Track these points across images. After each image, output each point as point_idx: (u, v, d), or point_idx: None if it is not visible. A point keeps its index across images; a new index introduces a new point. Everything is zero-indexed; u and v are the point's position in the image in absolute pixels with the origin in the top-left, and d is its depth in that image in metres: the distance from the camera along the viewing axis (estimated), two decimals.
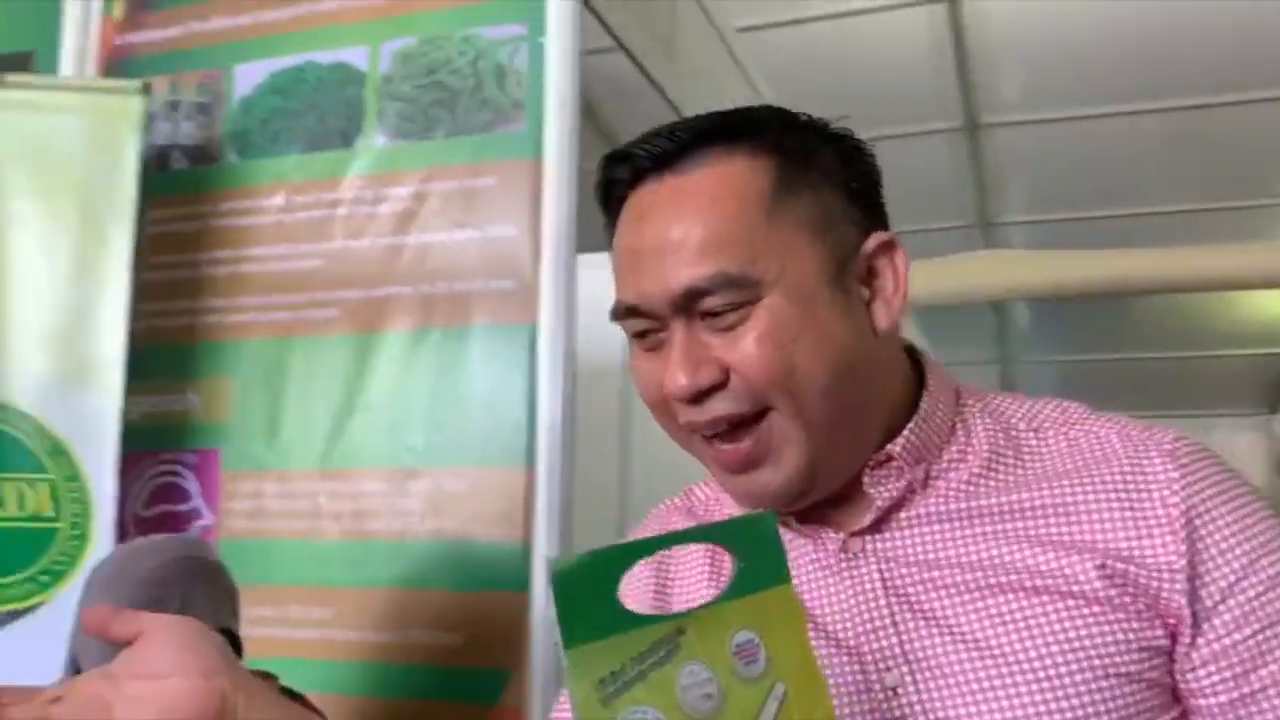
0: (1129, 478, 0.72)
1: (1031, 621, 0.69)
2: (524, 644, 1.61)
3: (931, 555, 0.73)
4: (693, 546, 0.83)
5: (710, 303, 0.71)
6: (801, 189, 0.73)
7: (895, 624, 0.72)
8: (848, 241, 0.75)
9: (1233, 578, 0.69)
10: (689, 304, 0.71)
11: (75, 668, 1.23)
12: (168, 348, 1.90)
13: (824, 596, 0.76)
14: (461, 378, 1.73)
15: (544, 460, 1.65)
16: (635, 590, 0.85)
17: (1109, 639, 0.68)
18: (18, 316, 1.75)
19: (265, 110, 1.92)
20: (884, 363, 0.76)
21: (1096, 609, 0.69)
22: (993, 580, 0.71)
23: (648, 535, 0.87)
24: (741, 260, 0.70)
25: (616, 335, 0.81)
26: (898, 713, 0.70)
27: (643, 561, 0.85)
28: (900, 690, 0.71)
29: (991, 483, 0.75)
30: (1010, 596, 0.70)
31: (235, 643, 1.28)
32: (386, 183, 1.82)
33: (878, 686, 0.71)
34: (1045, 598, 0.70)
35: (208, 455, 1.87)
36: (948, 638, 0.70)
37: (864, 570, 0.74)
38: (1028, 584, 0.70)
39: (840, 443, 0.74)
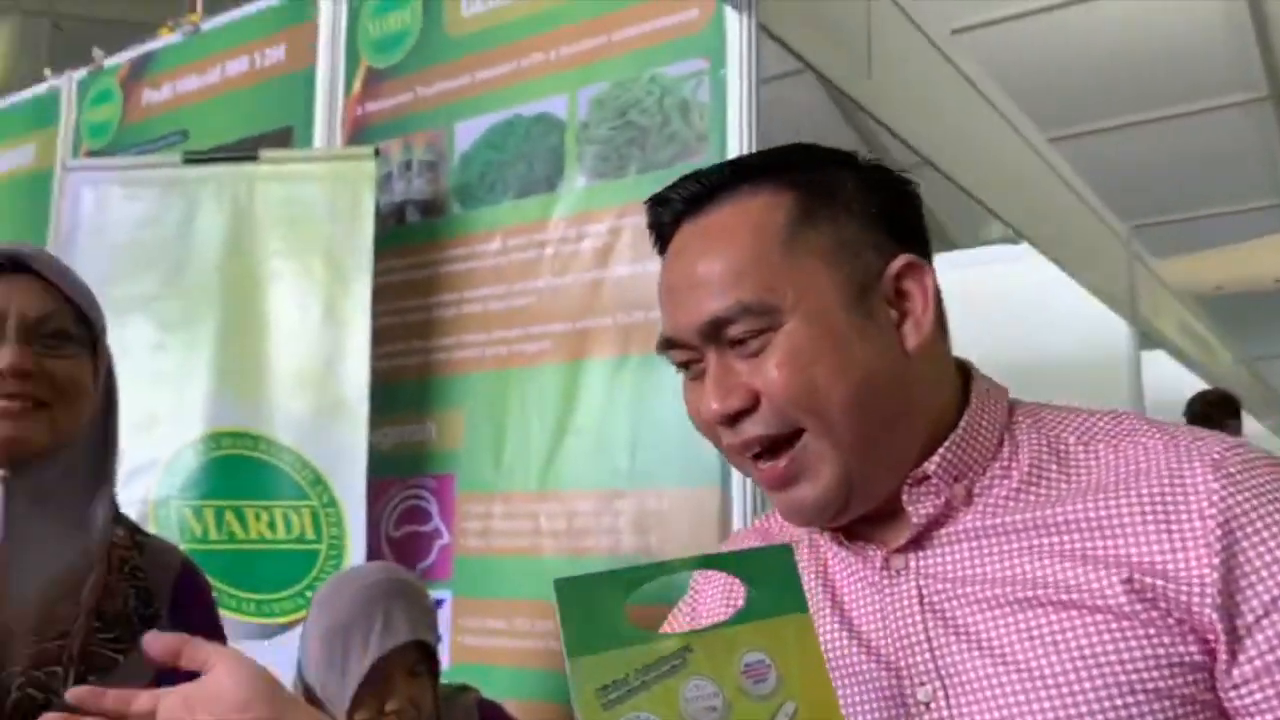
0: (1166, 489, 0.69)
1: (1058, 637, 0.68)
2: None
3: (967, 571, 0.73)
4: (717, 573, 0.86)
5: (734, 331, 0.75)
6: (819, 221, 0.77)
7: (930, 640, 0.72)
8: (870, 267, 0.77)
9: (1277, 591, 0.64)
10: (716, 333, 0.75)
11: (304, 682, 1.40)
12: (407, 384, 2.10)
13: (866, 611, 0.77)
14: (658, 402, 1.81)
15: (736, 480, 1.70)
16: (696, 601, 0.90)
17: (1135, 654, 0.66)
18: (277, 361, 2.00)
19: (482, 163, 2.10)
20: (921, 381, 0.77)
21: (1124, 624, 0.67)
22: (1022, 595, 0.70)
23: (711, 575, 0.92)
24: (759, 289, 0.74)
25: None
26: None
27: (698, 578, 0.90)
28: (932, 705, 0.71)
29: (1031, 497, 0.74)
30: (1038, 611, 0.69)
31: (430, 654, 1.41)
32: (586, 221, 1.94)
33: (911, 701, 0.72)
34: (1072, 612, 0.68)
35: (445, 480, 2.06)
36: (978, 653, 0.70)
37: (903, 587, 0.75)
38: (1055, 599, 0.69)
39: (875, 459, 0.75)
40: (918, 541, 0.76)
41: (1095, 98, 5.78)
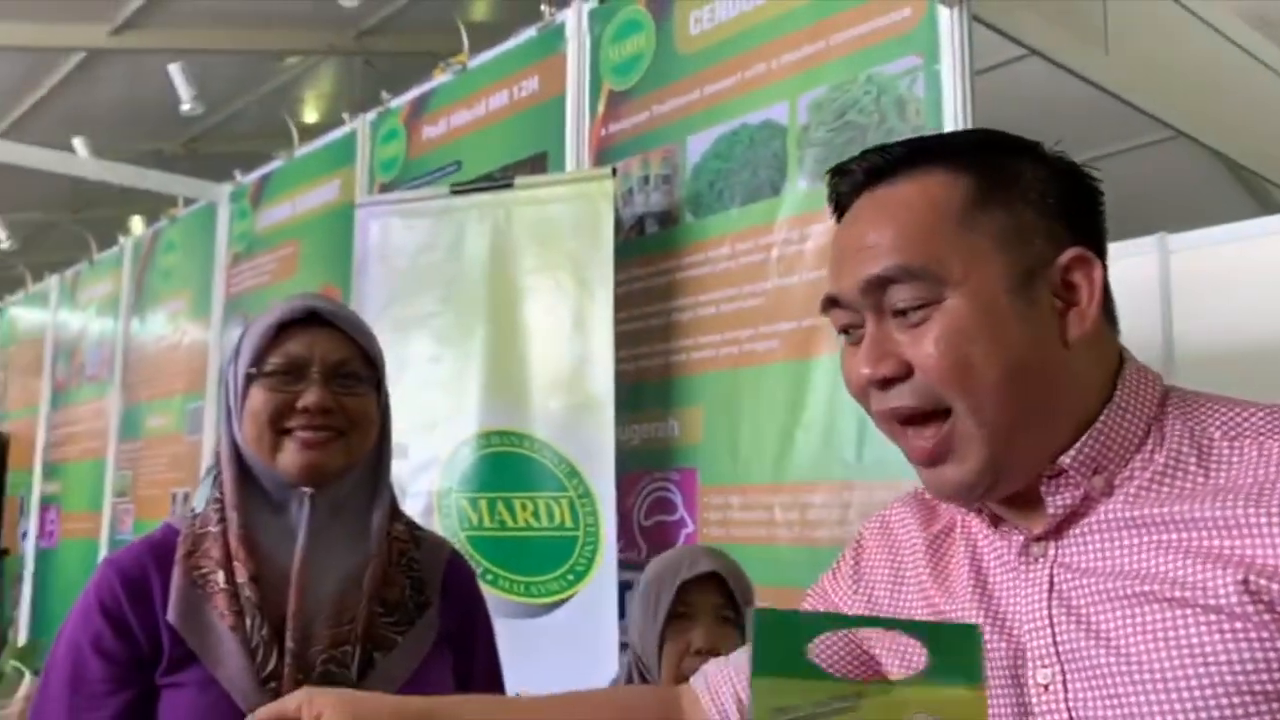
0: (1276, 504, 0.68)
1: (1170, 633, 0.69)
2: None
3: (1096, 563, 0.75)
4: (920, 555, 0.90)
5: (896, 295, 0.77)
6: (994, 205, 0.78)
7: (1053, 625, 0.75)
8: (1041, 255, 0.78)
9: None
10: (877, 296, 0.77)
11: (635, 655, 1.58)
12: (650, 384, 2.26)
13: (1004, 591, 0.80)
14: None
15: None
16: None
17: (1245, 655, 0.66)
18: (535, 366, 2.21)
19: (711, 173, 2.22)
20: (1077, 372, 0.78)
21: (1237, 624, 0.66)
22: (1142, 590, 0.71)
23: (890, 515, 0.96)
24: (925, 257, 0.76)
25: None
26: (1045, 708, 0.74)
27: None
28: (1050, 688, 0.74)
29: (1166, 490, 0.74)
30: (1155, 607, 0.70)
31: (737, 607, 1.55)
32: (808, 222, 2.02)
33: (1031, 682, 0.75)
34: (1186, 610, 0.69)
35: (688, 473, 2.20)
36: (1096, 643, 0.72)
37: (1037, 573, 0.78)
38: (1170, 595, 0.69)
39: (1022, 445, 0.76)
40: (1057, 530, 0.78)
41: None
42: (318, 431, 1.20)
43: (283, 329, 1.23)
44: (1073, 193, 0.81)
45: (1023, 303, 0.76)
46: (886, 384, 0.78)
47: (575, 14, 2.59)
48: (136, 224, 5.12)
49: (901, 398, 0.78)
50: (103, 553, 4.37)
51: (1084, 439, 0.77)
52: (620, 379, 2.19)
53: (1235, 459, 0.74)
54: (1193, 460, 0.76)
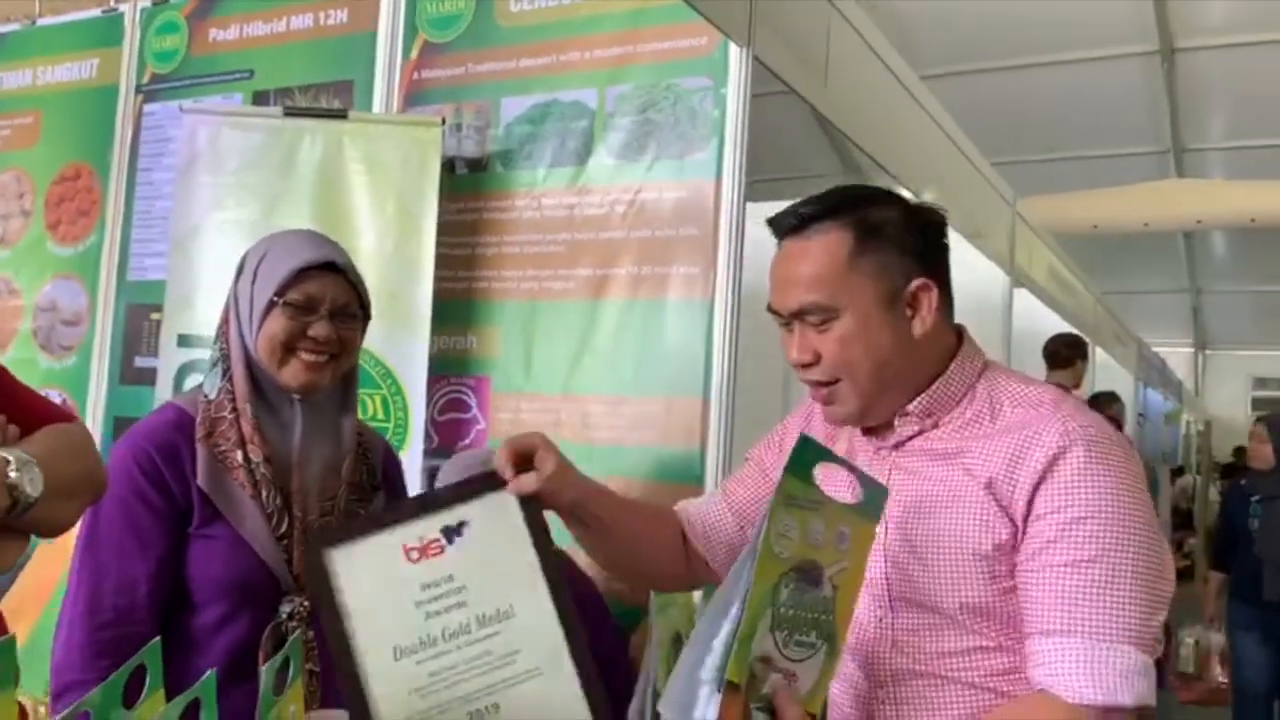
0: (1017, 445, 1.25)
1: (943, 509, 1.28)
2: None
3: (917, 466, 1.33)
4: (820, 436, 1.45)
5: (809, 317, 1.31)
6: (868, 250, 1.28)
7: (891, 496, 1.30)
8: (897, 284, 1.30)
9: (1058, 501, 1.26)
10: (799, 315, 1.31)
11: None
12: (456, 304, 2.69)
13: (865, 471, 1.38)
14: (656, 334, 2.44)
15: (714, 392, 2.34)
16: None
17: (975, 526, 1.25)
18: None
19: (521, 135, 2.66)
20: (922, 355, 1.31)
21: (976, 509, 1.26)
22: (935, 488, 1.30)
23: (799, 413, 1.54)
24: (825, 295, 1.28)
25: None
26: (877, 547, 1.34)
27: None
28: (880, 532, 1.34)
29: (968, 431, 1.31)
30: (939, 495, 1.30)
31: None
32: (606, 191, 2.54)
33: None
34: (954, 498, 1.28)
35: (483, 380, 2.68)
36: (904, 510, 1.32)
37: (883, 465, 1.36)
38: (948, 490, 1.29)
39: (883, 399, 1.32)
40: (898, 445, 1.37)
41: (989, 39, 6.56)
42: (318, 356, 1.57)
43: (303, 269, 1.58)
44: (922, 228, 1.35)
45: (887, 315, 1.32)
46: (806, 367, 1.35)
47: None
48: None
49: (814, 374, 1.35)
50: None
51: (922, 396, 1.34)
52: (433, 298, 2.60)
53: (1009, 416, 1.29)
54: (986, 415, 1.31)
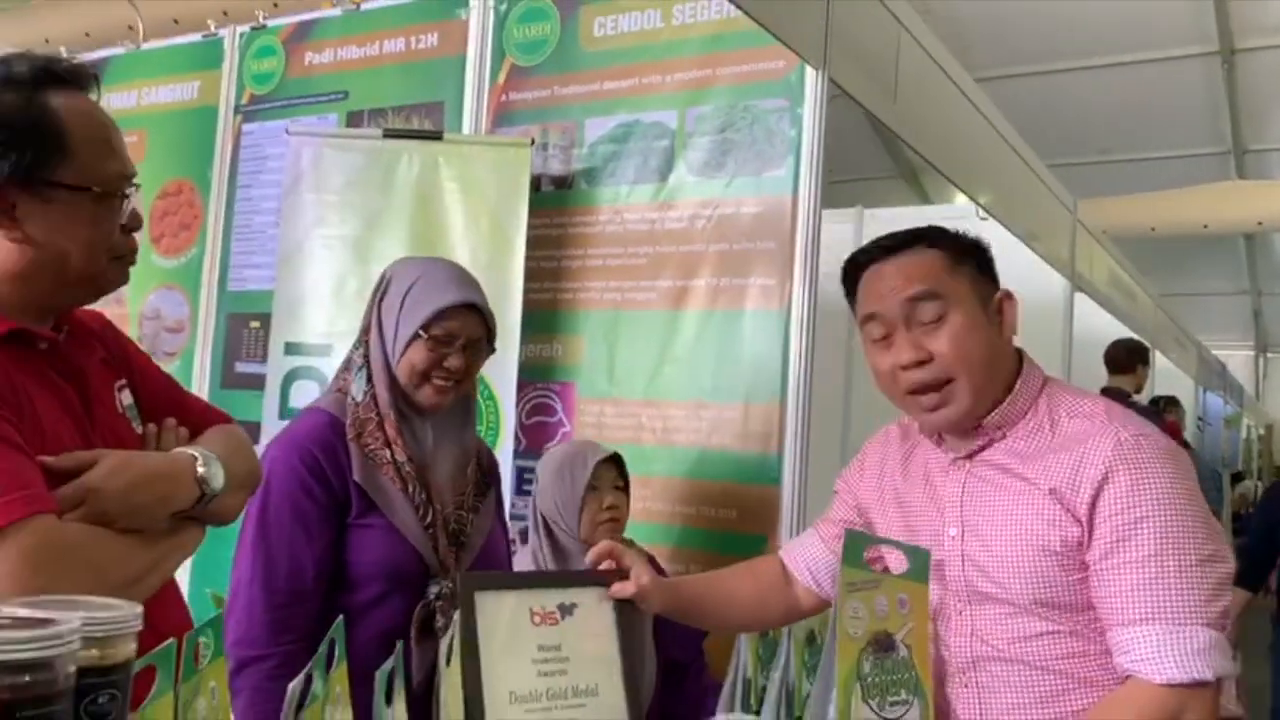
0: (1087, 452, 1.40)
1: (1014, 514, 1.41)
2: (775, 519, 2.47)
3: (988, 475, 1.47)
4: (896, 460, 1.60)
5: (924, 309, 1.42)
6: (958, 266, 1.47)
7: (962, 504, 1.47)
8: (987, 294, 1.46)
9: (1117, 507, 1.38)
10: (909, 309, 1.43)
11: (541, 515, 2.18)
12: (543, 314, 2.85)
13: (939, 482, 1.51)
14: (734, 343, 2.58)
15: (791, 397, 2.47)
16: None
17: (1044, 527, 1.39)
18: None
19: (605, 154, 2.81)
20: (1004, 364, 1.48)
21: (1045, 513, 1.39)
22: (1006, 497, 1.44)
23: (876, 440, 1.68)
24: (939, 286, 1.41)
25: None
26: (950, 548, 1.46)
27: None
28: (955, 536, 1.47)
29: (1032, 442, 1.44)
30: (1010, 502, 1.43)
31: (626, 480, 2.23)
32: (686, 206, 2.68)
33: (945, 535, 1.48)
34: (1022, 502, 1.42)
35: (568, 386, 2.83)
36: (984, 516, 1.45)
37: (958, 475, 1.50)
38: (1018, 496, 1.43)
39: (984, 400, 1.45)
40: (971, 455, 1.50)
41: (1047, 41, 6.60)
42: (448, 381, 1.75)
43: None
44: (982, 254, 1.52)
45: (985, 318, 1.46)
46: (918, 366, 1.44)
47: None
48: None
49: (922, 374, 1.44)
50: None
51: (996, 411, 1.47)
52: (523, 308, 2.76)
53: (1067, 427, 1.42)
54: (1047, 427, 1.44)
